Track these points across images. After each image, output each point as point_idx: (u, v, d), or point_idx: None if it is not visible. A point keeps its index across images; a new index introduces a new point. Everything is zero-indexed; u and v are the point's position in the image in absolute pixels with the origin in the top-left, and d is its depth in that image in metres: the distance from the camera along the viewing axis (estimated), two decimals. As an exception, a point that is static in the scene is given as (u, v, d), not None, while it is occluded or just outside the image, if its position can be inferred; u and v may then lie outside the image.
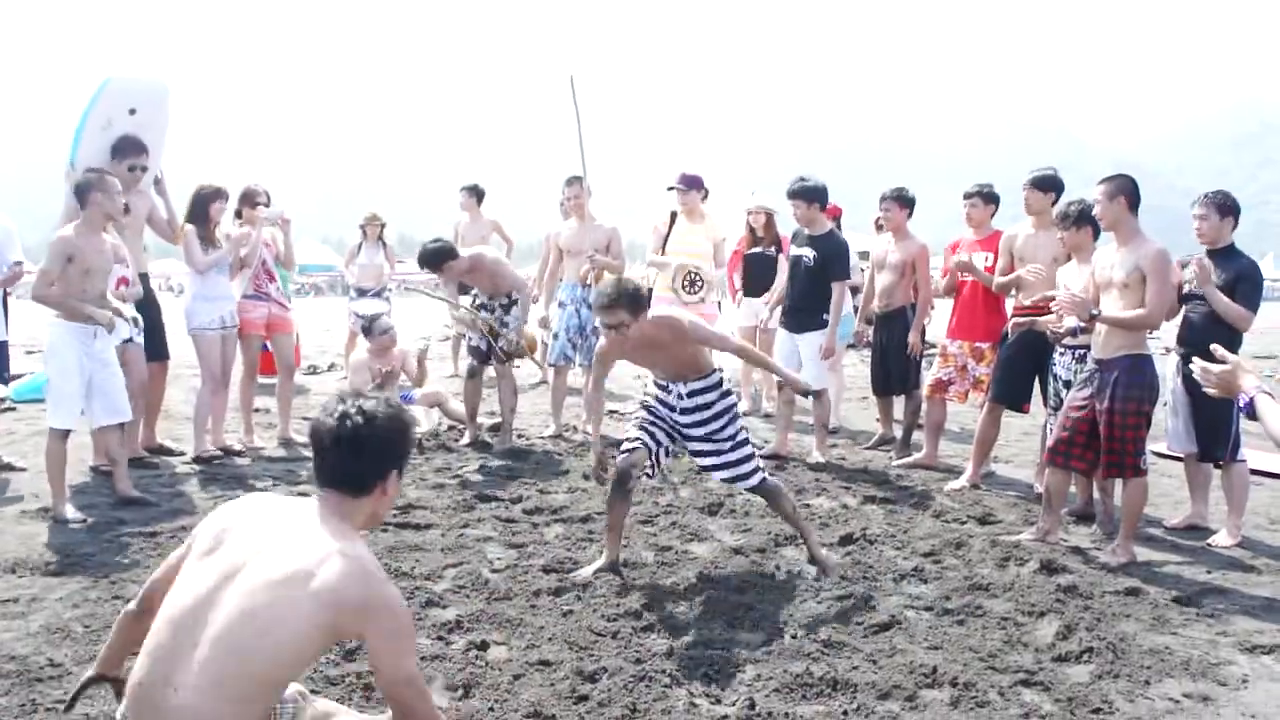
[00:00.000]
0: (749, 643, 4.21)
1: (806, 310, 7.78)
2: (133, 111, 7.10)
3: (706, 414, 5.20)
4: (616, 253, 8.58)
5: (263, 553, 2.50)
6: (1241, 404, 3.17)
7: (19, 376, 9.67)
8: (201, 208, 7.52)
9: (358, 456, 2.64)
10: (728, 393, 5.28)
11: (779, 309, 8.34)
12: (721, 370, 5.34)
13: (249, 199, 7.96)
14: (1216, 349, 3.21)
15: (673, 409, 5.24)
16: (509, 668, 3.89)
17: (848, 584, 4.96)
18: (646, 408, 5.32)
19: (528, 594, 4.73)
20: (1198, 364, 3.28)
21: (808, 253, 7.74)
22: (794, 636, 4.26)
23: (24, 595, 4.64)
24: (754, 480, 5.21)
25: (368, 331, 8.88)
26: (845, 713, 3.56)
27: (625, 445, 5.17)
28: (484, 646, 4.09)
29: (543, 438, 8.62)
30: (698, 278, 8.77)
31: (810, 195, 7.73)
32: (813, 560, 5.20)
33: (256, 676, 2.42)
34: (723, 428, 5.21)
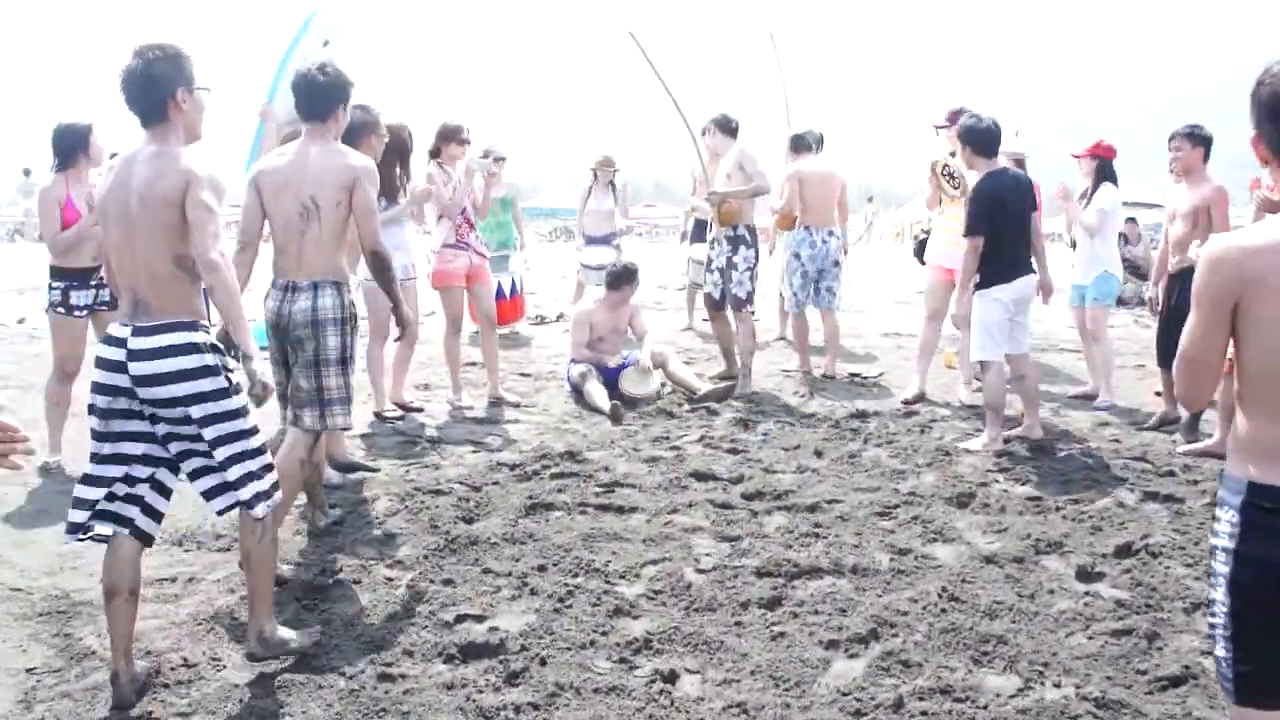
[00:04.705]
0: (999, 691, 3.40)
1: None
2: (325, 43, 6.71)
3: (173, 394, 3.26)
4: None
5: None
6: None
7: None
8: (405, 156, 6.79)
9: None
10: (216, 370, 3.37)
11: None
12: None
13: (451, 136, 7.29)
14: None
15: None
16: (697, 710, 3.23)
17: (1126, 612, 4.04)
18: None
19: (734, 605, 4.06)
20: None
21: None
22: (1057, 685, 3.42)
23: (182, 575, 4.33)
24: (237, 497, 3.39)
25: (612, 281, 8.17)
26: (1128, 811, 2.73)
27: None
28: (672, 678, 3.45)
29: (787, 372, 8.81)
30: (952, 172, 7.71)
31: (963, 138, 6.66)
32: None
33: None
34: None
